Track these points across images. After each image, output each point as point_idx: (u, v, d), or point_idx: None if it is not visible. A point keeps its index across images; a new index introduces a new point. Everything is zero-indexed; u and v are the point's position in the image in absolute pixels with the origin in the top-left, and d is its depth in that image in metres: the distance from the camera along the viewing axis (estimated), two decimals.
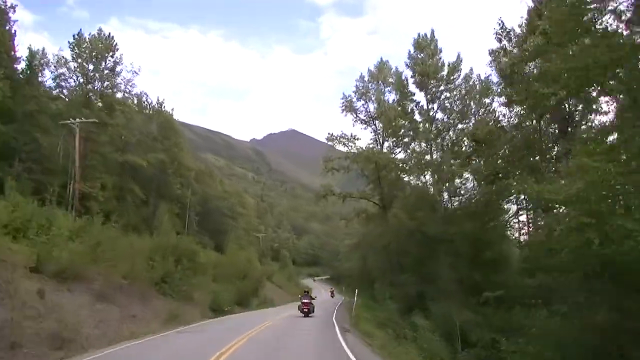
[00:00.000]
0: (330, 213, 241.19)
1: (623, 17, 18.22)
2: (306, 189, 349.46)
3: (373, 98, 55.81)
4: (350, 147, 55.78)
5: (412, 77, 50.48)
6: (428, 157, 48.74)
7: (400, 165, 51.41)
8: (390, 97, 55.08)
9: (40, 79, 52.98)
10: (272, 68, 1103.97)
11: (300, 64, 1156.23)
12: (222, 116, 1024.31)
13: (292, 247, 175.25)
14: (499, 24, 37.94)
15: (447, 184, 46.34)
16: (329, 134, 56.35)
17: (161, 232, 43.10)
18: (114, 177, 54.83)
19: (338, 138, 55.84)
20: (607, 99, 25.30)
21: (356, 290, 55.17)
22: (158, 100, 70.57)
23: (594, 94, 26.81)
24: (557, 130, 36.70)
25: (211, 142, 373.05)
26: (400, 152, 54.19)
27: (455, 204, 48.29)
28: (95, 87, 56.29)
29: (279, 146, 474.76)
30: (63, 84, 55.24)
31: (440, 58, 49.51)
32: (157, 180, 66.61)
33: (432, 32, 50.70)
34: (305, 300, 37.13)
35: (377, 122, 55.32)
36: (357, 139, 55.90)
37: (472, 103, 47.31)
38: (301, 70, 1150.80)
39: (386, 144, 55.38)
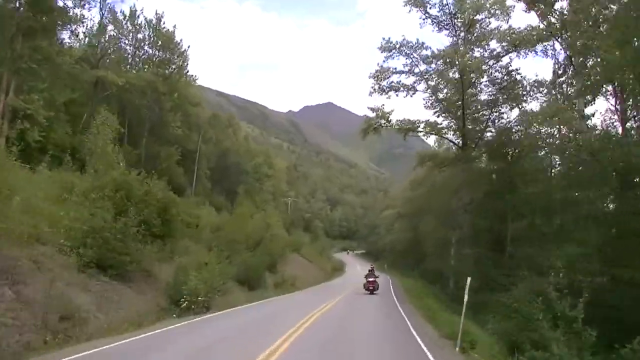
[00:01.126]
0: (368, 187, 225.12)
1: None
2: (341, 162, 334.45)
3: None
4: (413, 60, 36.54)
5: None
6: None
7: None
8: None
9: None
10: (309, 40, 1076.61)
11: (338, 36, 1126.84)
12: (259, 88, 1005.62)
13: (325, 218, 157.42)
14: None
15: None
16: (383, 39, 36.97)
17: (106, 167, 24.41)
18: (76, 93, 37.21)
19: (398, 46, 36.47)
20: None
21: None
22: (156, 14, 50.60)
23: None
24: None
25: (247, 111, 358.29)
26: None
27: None
28: None
29: (315, 118, 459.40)
30: None
31: None
32: (148, 113, 48.75)
33: None
34: (371, 279, 37.93)
35: (456, 19, 35.88)
36: (426, 47, 36.53)
37: None
38: (339, 43, 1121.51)
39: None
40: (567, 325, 11.25)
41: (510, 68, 34.74)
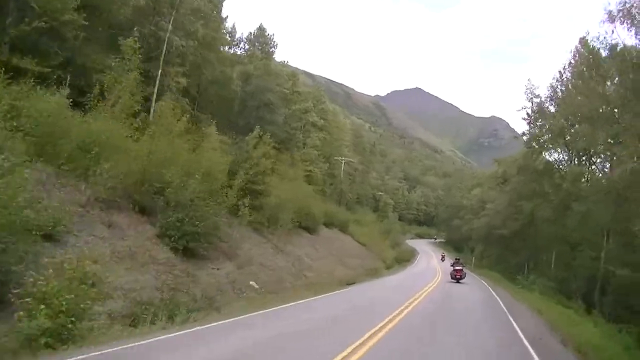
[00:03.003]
0: (452, 172, 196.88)
1: None
2: (426, 146, 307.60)
3: None
4: None
5: None
6: None
7: None
8: None
9: None
10: (401, 23, 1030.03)
11: (431, 21, 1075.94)
12: (346, 70, 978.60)
13: (401, 199, 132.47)
14: None
15: None
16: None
17: None
18: None
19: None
20: None
21: None
22: None
23: None
24: None
25: (331, 92, 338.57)
26: None
27: None
28: None
29: (402, 104, 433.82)
30: None
31: None
32: None
33: None
34: (458, 268, 38.22)
35: None
36: None
37: None
38: (431, 28, 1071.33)
39: None
40: None
41: None
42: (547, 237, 38.00)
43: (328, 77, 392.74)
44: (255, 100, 44.40)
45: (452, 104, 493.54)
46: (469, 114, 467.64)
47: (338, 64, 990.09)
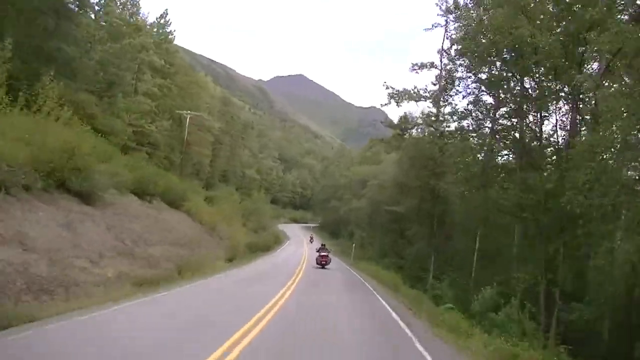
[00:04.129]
0: (332, 156, 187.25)
1: None
2: (308, 132, 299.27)
3: None
4: None
5: None
6: None
7: None
8: None
9: None
10: (287, 10, 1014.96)
11: (317, 10, 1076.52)
12: (230, 52, 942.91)
13: (276, 180, 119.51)
14: None
15: None
16: None
17: None
18: None
19: None
20: None
21: None
22: None
23: None
24: None
25: (212, 71, 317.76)
26: None
27: None
28: None
29: (285, 89, 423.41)
30: None
31: None
32: None
33: None
34: (324, 254, 35.57)
35: None
36: None
37: None
38: (317, 17, 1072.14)
39: None
40: None
41: None
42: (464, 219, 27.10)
43: (210, 57, 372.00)
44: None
45: (334, 93, 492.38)
46: (349, 103, 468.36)
47: (222, 45, 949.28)
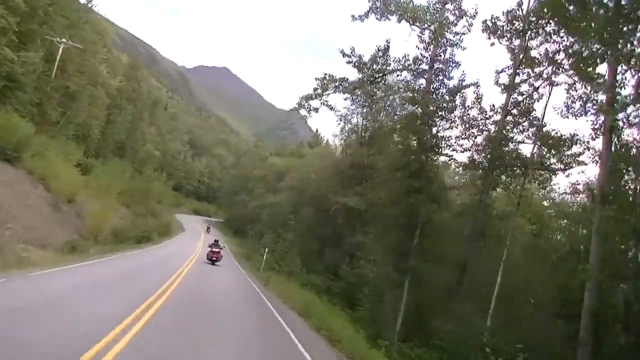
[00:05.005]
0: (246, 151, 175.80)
1: None
2: (224, 125, 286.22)
3: None
4: None
5: None
6: None
7: None
8: None
9: None
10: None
11: (248, 5, 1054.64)
12: (155, 32, 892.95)
13: (182, 166, 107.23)
14: None
15: None
16: None
17: None
18: None
19: None
20: None
21: None
22: None
23: None
24: None
25: (133, 48, 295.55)
26: None
27: None
28: None
29: (207, 80, 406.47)
30: None
31: None
32: None
33: None
34: (215, 250, 32.65)
35: None
36: None
37: None
38: (248, 11, 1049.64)
39: None
40: None
41: None
42: None
43: (133, 34, 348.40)
44: None
45: (256, 91, 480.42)
46: (270, 103, 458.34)
47: (147, 23, 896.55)
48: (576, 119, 18.72)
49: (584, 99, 18.14)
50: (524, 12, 21.90)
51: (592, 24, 14.87)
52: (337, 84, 27.24)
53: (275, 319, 15.36)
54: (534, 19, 21.10)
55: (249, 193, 65.61)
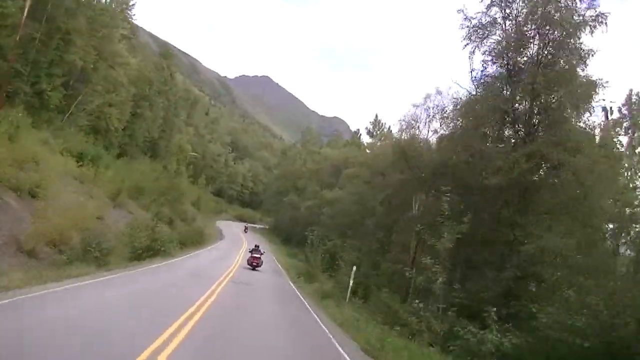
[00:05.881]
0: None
1: None
2: (267, 131, 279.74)
3: None
4: None
5: None
6: None
7: None
8: None
9: None
10: (259, 11, 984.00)
11: (289, 15, 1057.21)
12: (196, 45, 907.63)
13: (224, 169, 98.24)
14: None
15: None
16: None
17: None
18: None
19: None
20: None
21: None
22: None
23: None
24: None
25: (175, 58, 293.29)
26: None
27: None
28: None
29: (249, 89, 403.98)
30: None
31: None
32: None
33: None
34: (256, 255, 32.69)
35: None
36: None
37: None
38: (288, 21, 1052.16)
39: None
40: None
41: None
42: None
43: (175, 45, 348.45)
44: None
45: (298, 98, 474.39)
46: (313, 111, 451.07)
47: (188, 36, 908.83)
48: None
49: None
50: None
51: None
52: None
53: None
54: None
55: (299, 193, 55.15)
